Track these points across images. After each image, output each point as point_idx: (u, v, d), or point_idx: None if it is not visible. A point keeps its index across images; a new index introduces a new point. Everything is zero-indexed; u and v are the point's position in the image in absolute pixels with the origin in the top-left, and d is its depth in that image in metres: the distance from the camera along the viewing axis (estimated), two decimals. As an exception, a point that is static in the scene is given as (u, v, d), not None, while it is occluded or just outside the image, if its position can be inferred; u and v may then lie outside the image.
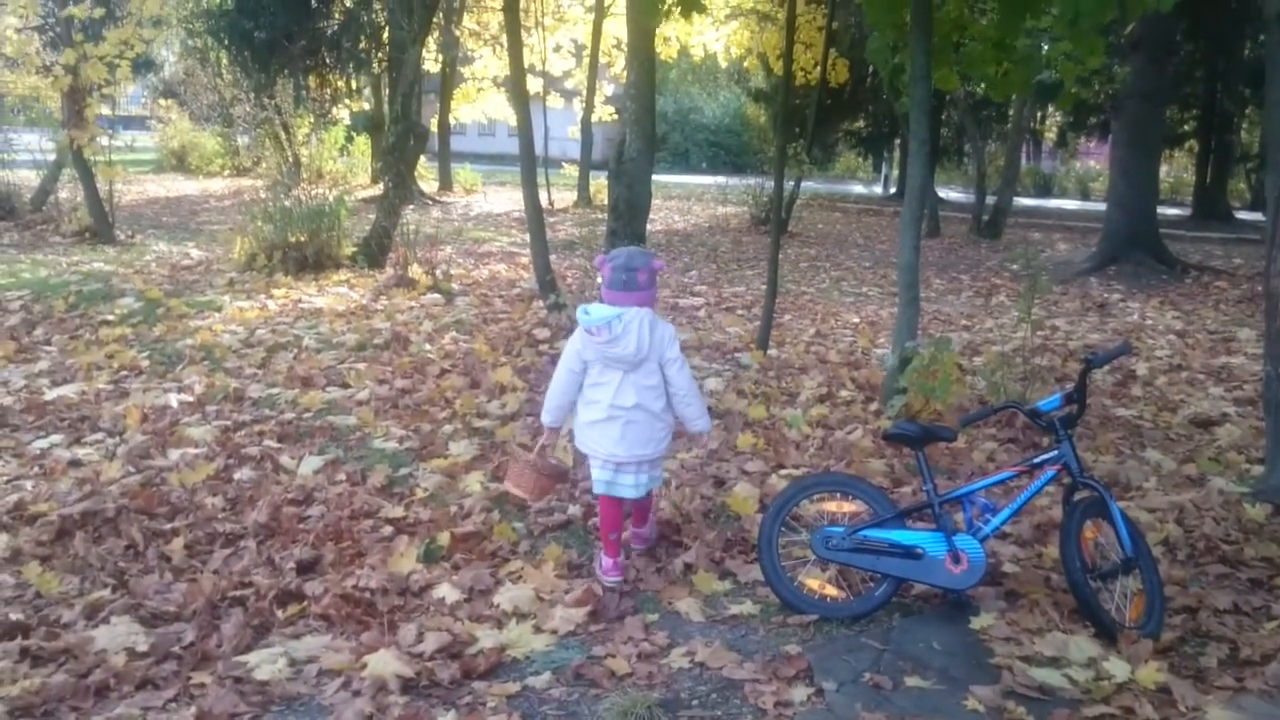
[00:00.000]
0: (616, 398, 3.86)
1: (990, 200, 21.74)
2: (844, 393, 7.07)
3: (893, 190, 33.58)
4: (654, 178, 10.39)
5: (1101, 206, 33.05)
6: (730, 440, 5.66)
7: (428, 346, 7.79)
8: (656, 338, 3.85)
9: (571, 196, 24.44)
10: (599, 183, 25.83)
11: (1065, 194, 37.03)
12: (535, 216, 8.70)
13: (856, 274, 15.06)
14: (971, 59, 6.63)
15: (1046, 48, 7.40)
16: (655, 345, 3.84)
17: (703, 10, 6.45)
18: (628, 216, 8.44)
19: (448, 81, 26.52)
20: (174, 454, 5.39)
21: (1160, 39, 15.09)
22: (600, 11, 24.43)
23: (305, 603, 3.80)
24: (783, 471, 5.18)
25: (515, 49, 8.63)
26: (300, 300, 9.54)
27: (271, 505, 4.68)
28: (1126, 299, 13.11)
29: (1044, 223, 24.92)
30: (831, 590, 3.76)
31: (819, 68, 23.37)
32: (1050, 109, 28.28)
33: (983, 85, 7.52)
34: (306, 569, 4.11)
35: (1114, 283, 14.47)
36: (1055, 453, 3.75)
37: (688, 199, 27.93)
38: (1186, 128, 25.81)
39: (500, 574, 4.06)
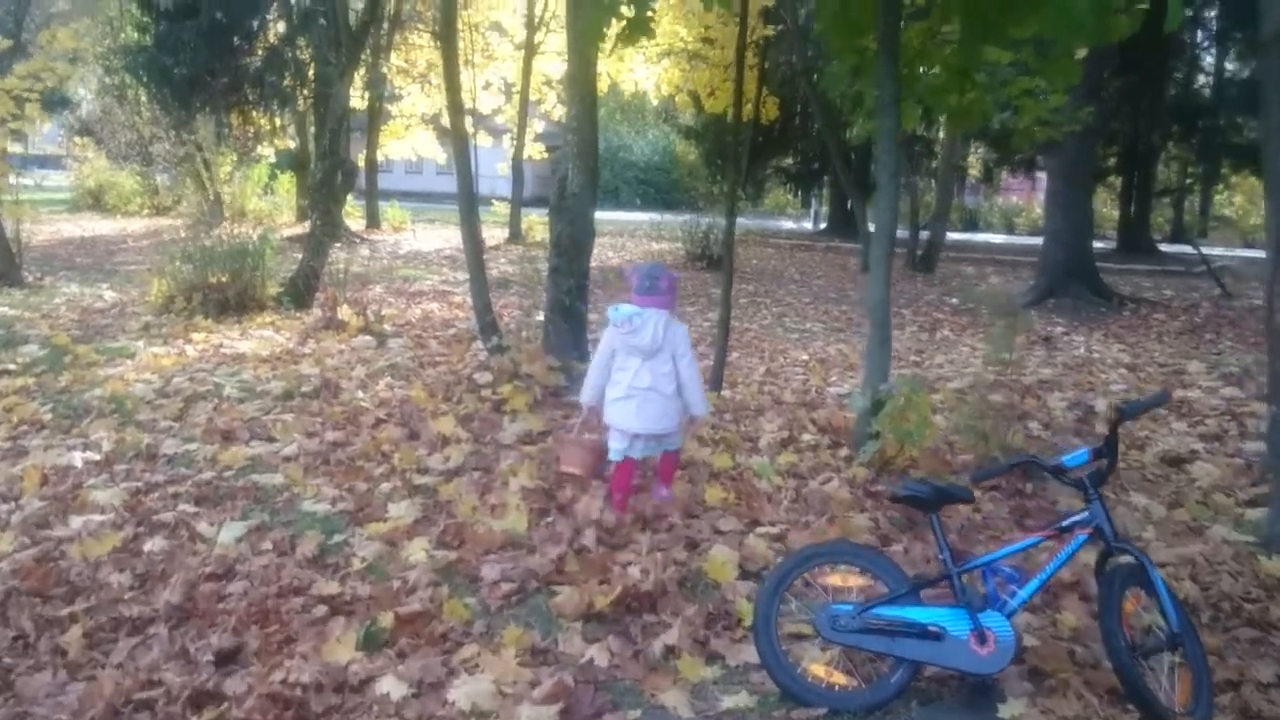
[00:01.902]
0: (635, 380, 4.64)
1: (923, 235, 21.61)
2: (806, 436, 6.61)
3: (823, 226, 33.53)
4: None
5: (1026, 241, 33.59)
6: (697, 494, 5.16)
7: (360, 394, 7.18)
8: (670, 334, 4.65)
9: (502, 234, 23.91)
10: (530, 219, 25.34)
11: (991, 228, 37.33)
12: (475, 256, 8.16)
13: (798, 310, 14.72)
14: (934, 88, 6.25)
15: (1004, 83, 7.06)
16: (669, 340, 4.64)
17: (651, 35, 5.99)
18: (571, 253, 7.91)
19: (375, 118, 25.91)
20: (76, 522, 4.73)
21: (1095, 74, 15.03)
22: (530, 49, 24.01)
23: (225, 705, 3.20)
24: (759, 530, 4.67)
25: (452, 79, 8.12)
26: (221, 345, 8.86)
27: (186, 582, 4.05)
28: (1070, 332, 12.89)
29: (974, 256, 24.89)
30: (840, 677, 3.24)
31: (750, 105, 23.36)
32: (975, 145, 28.38)
33: (922, 119, 7.14)
34: (226, 659, 3.50)
35: (1054, 315, 14.29)
36: (1085, 514, 3.29)
37: (620, 235, 27.51)
38: (1110, 163, 26.03)
39: (453, 662, 3.48)
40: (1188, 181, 27.16)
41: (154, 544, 4.51)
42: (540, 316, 11.97)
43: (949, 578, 3.24)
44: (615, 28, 6.16)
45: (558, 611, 3.84)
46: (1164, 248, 27.41)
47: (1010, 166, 28.78)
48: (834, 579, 3.39)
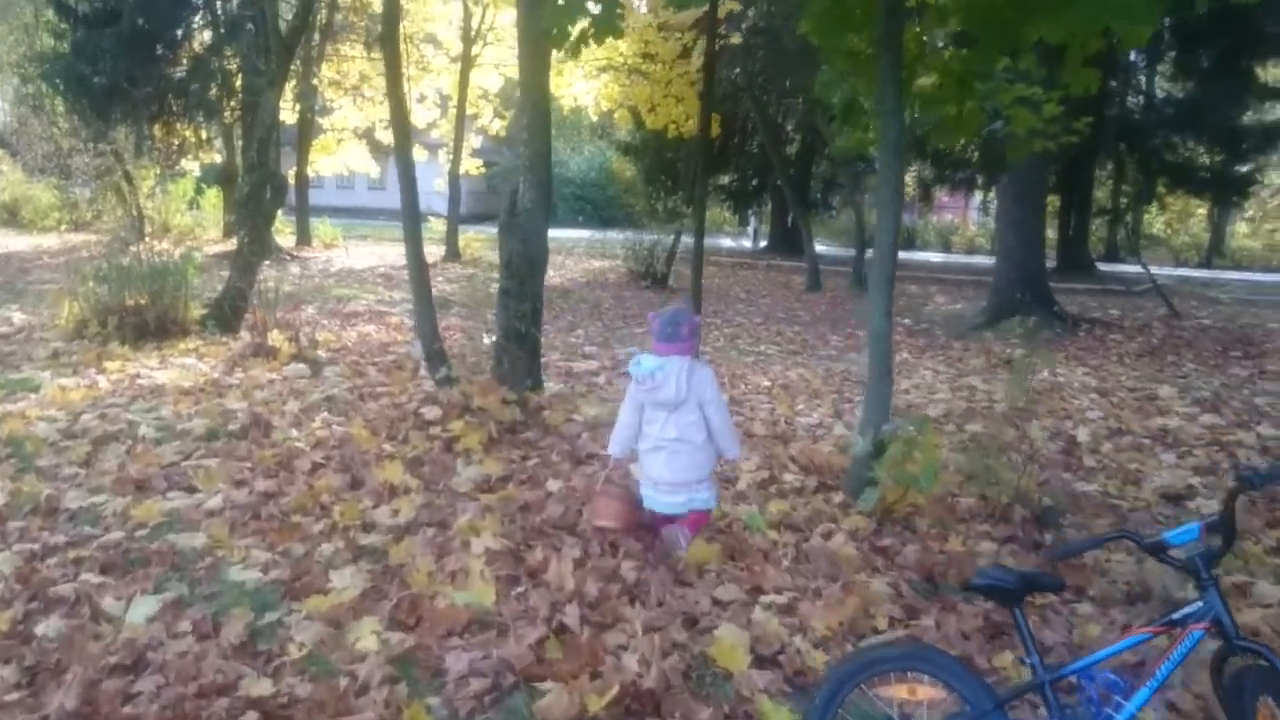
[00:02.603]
0: (663, 432, 4.50)
1: (868, 254, 21.24)
2: (789, 476, 6.00)
3: (763, 244, 33.15)
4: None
5: (963, 260, 33.53)
6: (683, 555, 4.50)
7: (294, 433, 6.39)
8: (695, 382, 4.45)
9: (439, 251, 23.09)
10: (468, 236, 24.58)
11: (928, 247, 37.25)
12: (420, 279, 7.43)
13: (750, 331, 14.15)
14: (929, 98, 5.68)
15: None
16: (694, 389, 4.45)
17: (619, 34, 5.38)
18: (523, 274, 7.25)
19: (305, 132, 24.96)
20: (-46, 599, 3.95)
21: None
22: (467, 62, 23.30)
23: None
24: (763, 598, 4.02)
25: (395, 87, 7.41)
26: (138, 375, 8.00)
27: (85, 680, 3.31)
28: (1029, 355, 12.46)
29: (916, 275, 24.59)
30: (909, 815, 2.61)
31: (691, 121, 22.85)
32: (914, 163, 28.16)
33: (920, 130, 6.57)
34: (131, 790, 2.78)
35: (1009, 337, 13.85)
36: (1199, 605, 2.66)
37: (559, 253, 26.76)
38: (1049, 181, 25.93)
39: (418, 791, 2.80)
40: (1123, 201, 27.16)
41: (49, 625, 3.74)
42: (487, 340, 11.35)
43: (1040, 687, 2.61)
44: (578, 27, 5.58)
45: (543, 717, 3.15)
46: (1102, 266, 27.42)
47: (949, 185, 28.61)
48: (899, 690, 2.74)
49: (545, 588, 4.03)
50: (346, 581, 4.09)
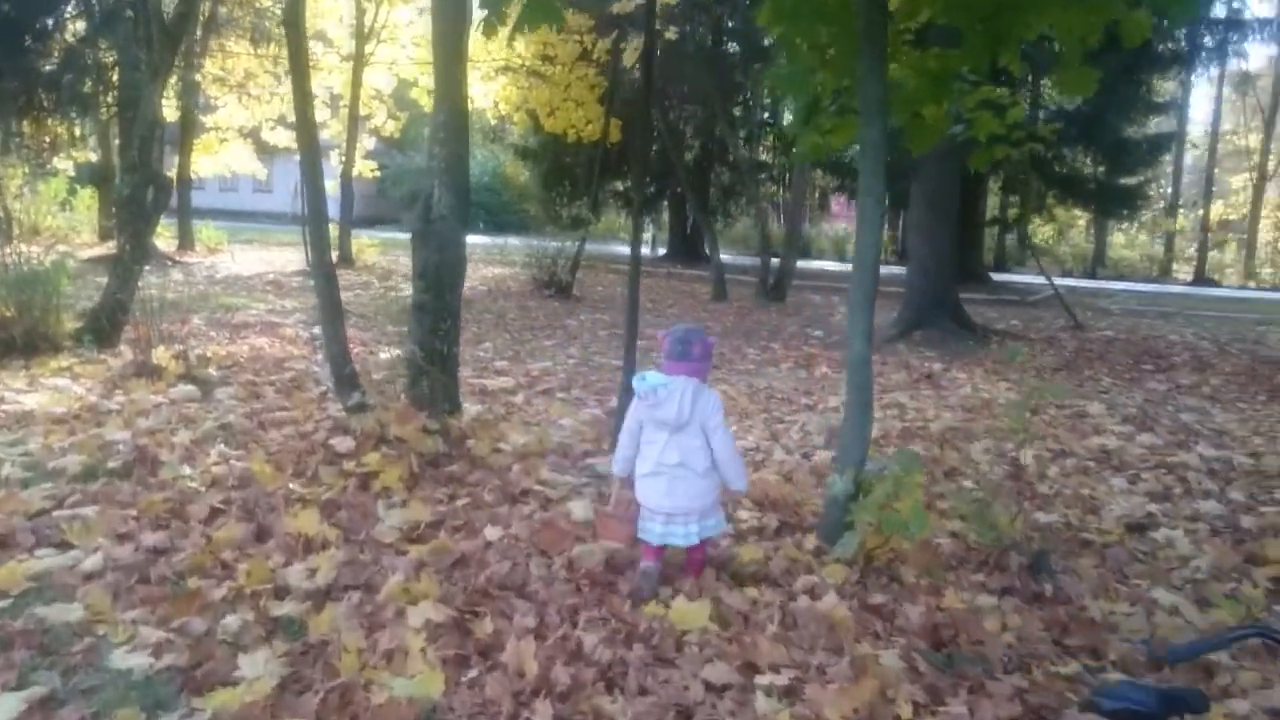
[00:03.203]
0: (663, 455, 4.20)
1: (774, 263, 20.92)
2: (744, 514, 5.44)
3: (661, 252, 32.71)
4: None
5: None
6: (663, 620, 3.88)
7: (186, 470, 5.54)
8: (700, 405, 4.17)
9: (331, 256, 22.01)
10: (361, 242, 23.57)
11: (823, 255, 37.31)
12: (328, 293, 6.64)
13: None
14: (903, 98, 5.16)
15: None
16: (698, 411, 4.16)
17: (560, 21, 4.76)
18: (439, 287, 6.57)
19: (187, 131, 23.62)
20: None
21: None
22: (359, 60, 22.32)
23: None
24: (759, 679, 3.41)
25: (300, 77, 6.62)
26: (2, 400, 7.04)
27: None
28: (948, 368, 12.18)
29: (816, 284, 24.44)
30: None
31: (591, 125, 22.28)
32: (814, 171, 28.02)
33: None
34: None
35: (924, 349, 13.62)
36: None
37: (455, 259, 25.88)
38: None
39: None
40: (1011, 211, 27.49)
41: (-122, 739, 2.95)
42: (386, 355, 10.56)
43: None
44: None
45: None
46: (994, 276, 27.68)
47: (849, 193, 28.58)
48: None
49: (502, 671, 3.36)
50: (259, 668, 3.35)
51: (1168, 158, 28.96)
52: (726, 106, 23.94)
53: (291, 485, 5.30)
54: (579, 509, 5.23)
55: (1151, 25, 4.33)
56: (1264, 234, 35.88)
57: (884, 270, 20.97)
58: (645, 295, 20.50)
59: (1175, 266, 35.31)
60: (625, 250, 34.65)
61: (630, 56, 19.76)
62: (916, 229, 15.14)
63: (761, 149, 28.31)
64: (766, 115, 29.38)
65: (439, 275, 6.61)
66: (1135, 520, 6.02)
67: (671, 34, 19.91)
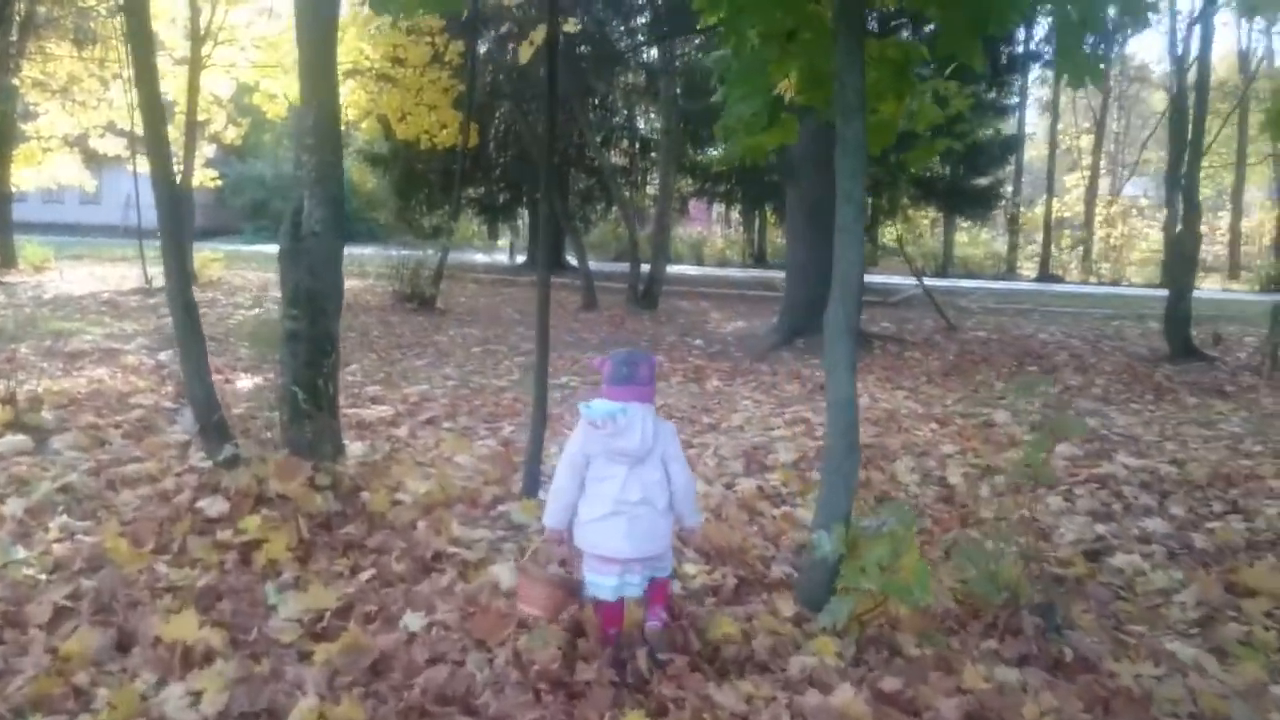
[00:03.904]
0: (623, 492, 3.66)
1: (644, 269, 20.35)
2: (690, 567, 4.74)
3: (520, 260, 31.80)
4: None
5: (718, 272, 33.37)
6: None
7: (21, 552, 4.46)
8: (660, 433, 3.73)
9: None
10: (204, 255, 22.00)
11: (681, 260, 36.95)
12: (188, 324, 5.60)
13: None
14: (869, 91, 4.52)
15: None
16: (659, 440, 3.71)
17: (456, 7, 3.97)
18: (313, 313, 5.69)
19: (6, 140, 21.61)
20: None
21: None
22: (196, 63, 20.71)
23: None
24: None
25: (146, 71, 5.60)
26: None
27: None
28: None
29: (681, 289, 23.94)
30: None
31: (445, 130, 21.31)
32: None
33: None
34: None
35: (808, 357, 13.17)
36: None
37: (305, 272, 24.46)
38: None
39: None
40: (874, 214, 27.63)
41: None
42: (243, 382, 9.47)
43: None
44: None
45: None
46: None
47: (710, 197, 28.27)
48: None
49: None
50: None
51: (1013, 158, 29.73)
52: (585, 109, 23.24)
53: (157, 566, 4.31)
54: (505, 574, 4.44)
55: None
56: (1099, 230, 37.27)
57: (740, 274, 20.81)
58: (512, 306, 19.71)
59: (1019, 263, 36.37)
60: (482, 259, 33.72)
61: (526, 52, 18.85)
62: (795, 235, 14.74)
63: (617, 152, 27.67)
64: (620, 120, 28.82)
65: (313, 300, 5.73)
66: (1088, 545, 5.64)
67: (571, 26, 19.01)
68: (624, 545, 3.65)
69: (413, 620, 3.85)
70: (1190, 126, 13.70)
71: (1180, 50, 15.05)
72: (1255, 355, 13.86)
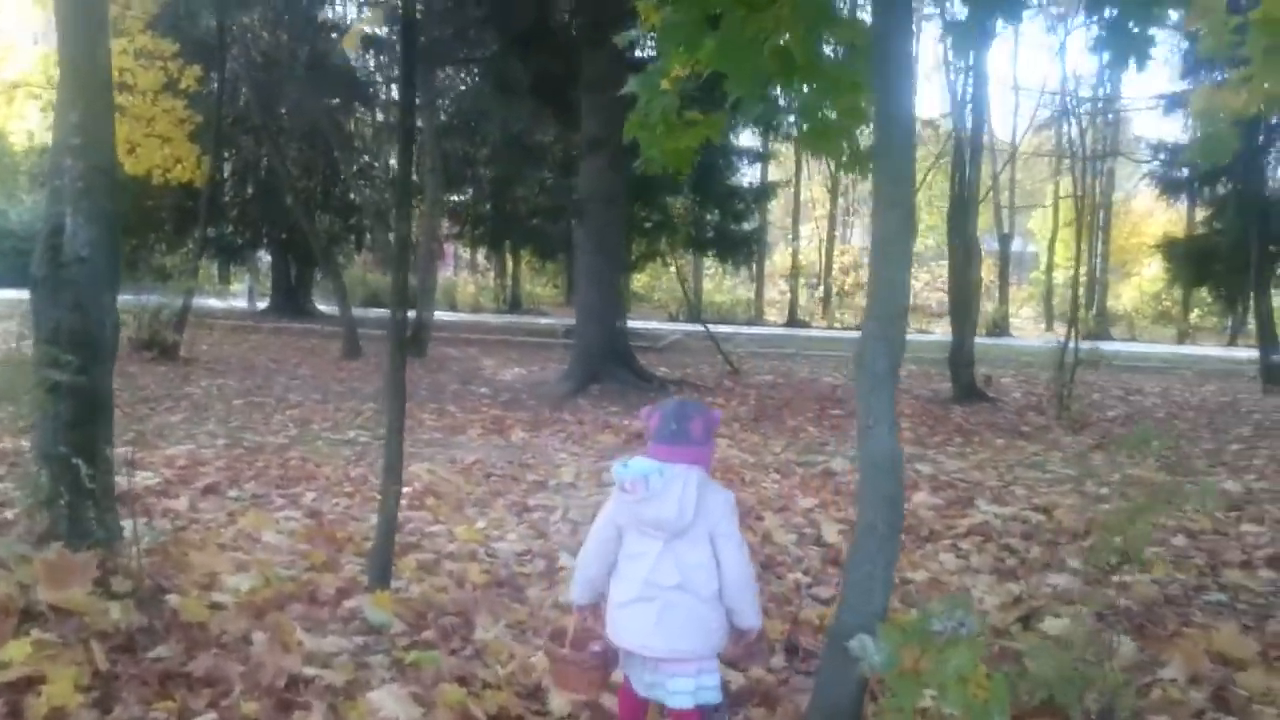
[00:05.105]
0: (654, 574, 2.91)
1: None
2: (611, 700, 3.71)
3: (261, 305, 29.39)
4: None
5: (472, 318, 32.04)
6: None
7: None
8: (708, 504, 2.92)
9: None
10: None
11: (436, 305, 35.41)
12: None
13: (318, 412, 11.28)
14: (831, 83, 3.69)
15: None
16: (704, 512, 2.90)
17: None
18: (82, 359, 4.37)
19: None
20: None
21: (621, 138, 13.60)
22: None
23: None
24: None
25: None
26: None
27: None
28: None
29: (444, 335, 22.62)
30: None
31: (180, 165, 19.31)
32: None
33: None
34: None
35: (608, 405, 12.34)
36: None
37: (12, 317, 21.46)
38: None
39: None
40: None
41: None
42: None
43: None
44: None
45: None
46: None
47: (469, 241, 27.13)
48: None
49: None
50: None
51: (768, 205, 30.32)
52: (339, 143, 21.68)
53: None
54: (386, 703, 3.28)
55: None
56: (837, 278, 38.78)
57: (498, 320, 19.82)
58: (264, 354, 17.86)
59: (764, 309, 37.27)
60: (217, 304, 31.01)
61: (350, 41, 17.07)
62: (586, 275, 13.90)
63: (371, 191, 26.16)
64: (368, 158, 27.33)
65: (81, 343, 4.38)
66: (1012, 607, 5.09)
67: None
68: (653, 638, 2.92)
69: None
70: (962, 180, 13.97)
71: (959, 95, 15.34)
72: (1030, 396, 14.23)
